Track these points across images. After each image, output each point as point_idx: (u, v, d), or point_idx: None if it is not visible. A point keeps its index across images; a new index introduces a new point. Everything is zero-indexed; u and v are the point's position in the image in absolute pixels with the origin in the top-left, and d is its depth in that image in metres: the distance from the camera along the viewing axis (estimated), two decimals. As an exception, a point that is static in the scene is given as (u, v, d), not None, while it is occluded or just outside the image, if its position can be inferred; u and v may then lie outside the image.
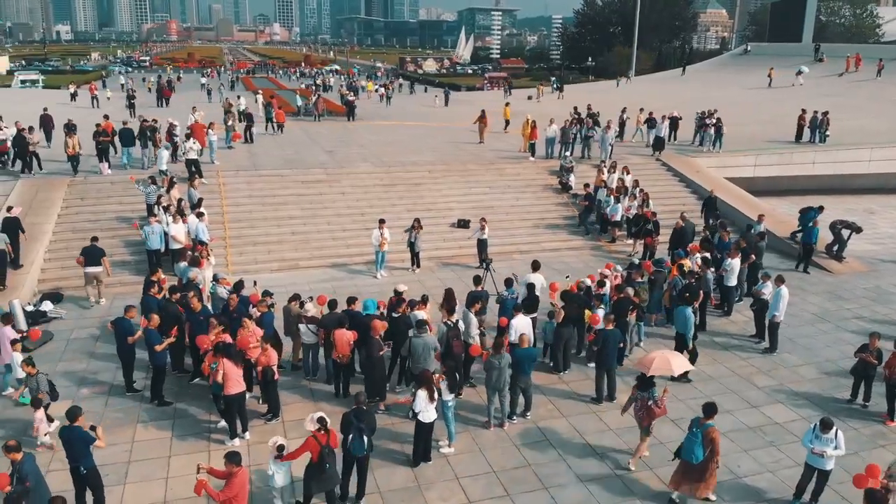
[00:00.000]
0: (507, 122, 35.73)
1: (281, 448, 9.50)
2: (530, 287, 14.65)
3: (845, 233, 21.14)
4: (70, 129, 23.55)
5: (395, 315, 13.39)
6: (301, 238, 21.38)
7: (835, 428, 9.91)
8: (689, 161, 28.37)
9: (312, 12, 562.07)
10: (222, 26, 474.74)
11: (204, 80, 65.90)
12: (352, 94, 46.53)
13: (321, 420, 9.44)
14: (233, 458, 8.61)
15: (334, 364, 12.94)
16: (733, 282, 17.18)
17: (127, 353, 13.00)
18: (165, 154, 23.60)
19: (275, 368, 11.97)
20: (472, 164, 27.01)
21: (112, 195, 22.08)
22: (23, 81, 69.60)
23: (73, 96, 49.32)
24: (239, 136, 29.72)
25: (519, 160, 28.00)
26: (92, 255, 17.16)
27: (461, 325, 13.10)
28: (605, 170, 24.66)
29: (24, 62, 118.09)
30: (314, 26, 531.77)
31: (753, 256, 18.09)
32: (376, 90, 59.41)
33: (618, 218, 22.49)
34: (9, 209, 18.45)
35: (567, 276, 17.32)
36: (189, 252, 17.19)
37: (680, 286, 16.05)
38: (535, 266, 15.78)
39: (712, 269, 17.80)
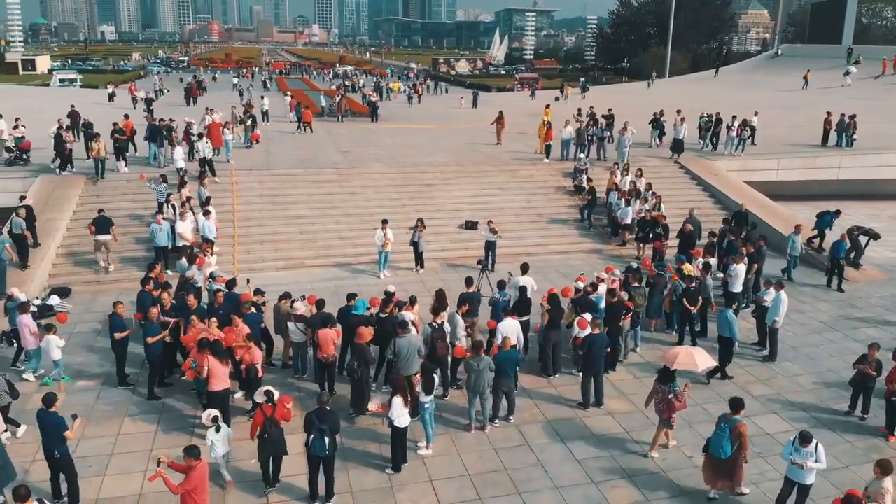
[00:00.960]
0: (549, 124, 34.80)
1: (215, 419, 10.34)
2: (522, 290, 14.52)
3: (863, 239, 20.50)
4: (89, 128, 23.83)
5: (382, 315, 13.39)
6: (308, 237, 21.55)
7: (814, 441, 9.62)
8: (708, 164, 27.83)
9: (351, 14, 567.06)
10: (262, 27, 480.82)
11: (236, 81, 66.89)
12: (375, 94, 46.72)
13: (267, 393, 10.23)
14: (191, 451, 8.75)
15: (319, 363, 12.99)
16: (738, 288, 16.76)
17: (119, 347, 13.26)
18: (181, 152, 23.96)
19: (258, 366, 12.09)
20: (486, 166, 26.94)
21: (127, 192, 22.53)
22: (61, 80, 71.51)
23: (112, 97, 49.16)
24: (257, 136, 30.08)
25: (533, 161, 27.82)
26: (101, 224, 18.72)
27: (447, 327, 13.04)
28: (619, 172, 24.34)
29: (69, 61, 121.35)
30: (353, 27, 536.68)
31: (756, 265, 17.64)
32: (403, 91, 59.60)
33: (628, 221, 22.17)
34: (21, 198, 19.28)
35: (582, 273, 17.10)
36: (189, 249, 17.42)
37: (680, 290, 15.82)
38: (525, 269, 15.68)
39: (720, 274, 17.53)
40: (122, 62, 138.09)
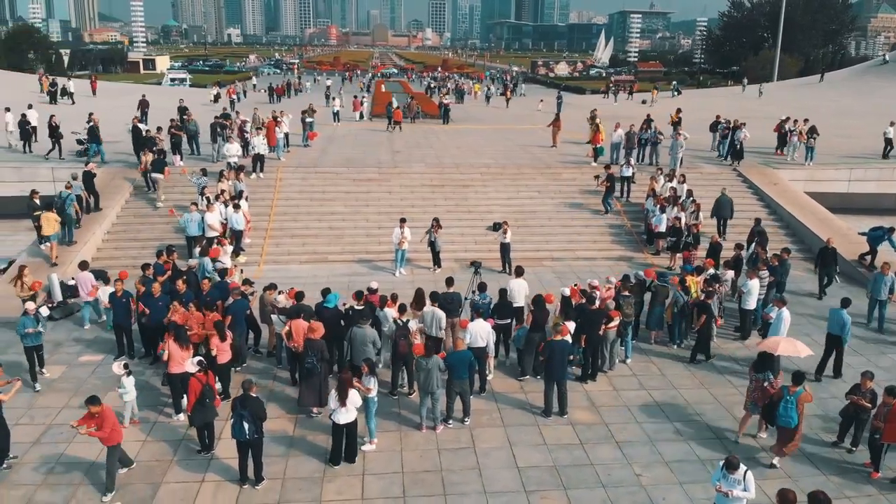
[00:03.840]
0: (598, 127, 33.74)
1: (126, 365, 11.82)
2: (501, 293, 14.34)
3: (918, 259, 18.70)
4: (146, 143, 24.25)
5: (358, 308, 13.59)
6: (337, 233, 22.13)
7: (742, 469, 8.99)
8: (768, 173, 26.25)
9: (464, 17, 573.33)
10: (378, 31, 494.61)
11: (328, 83, 69.16)
12: (448, 97, 47.09)
13: (200, 363, 11.27)
14: (93, 400, 10.10)
15: (290, 353, 13.39)
16: (751, 304, 15.77)
17: (116, 323, 14.39)
18: (234, 148, 25.15)
19: (213, 353, 12.55)
20: (528, 168, 26.63)
21: (177, 185, 23.89)
22: (172, 80, 76.71)
23: (217, 98, 49.54)
24: (315, 134, 31.10)
25: (579, 165, 27.25)
26: (156, 164, 22.70)
27: (412, 325, 13.12)
28: (661, 178, 23.41)
29: (201, 62, 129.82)
30: (465, 31, 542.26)
31: (773, 278, 16.53)
32: (485, 93, 59.67)
33: (662, 229, 21.29)
34: (86, 163, 22.32)
35: (575, 283, 16.68)
36: (208, 240, 18.35)
37: (681, 302, 15.14)
38: (519, 272, 15.46)
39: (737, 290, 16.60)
40: (237, 63, 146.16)
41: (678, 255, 20.22)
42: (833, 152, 29.04)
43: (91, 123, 26.13)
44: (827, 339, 14.26)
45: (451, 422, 12.26)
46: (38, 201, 19.08)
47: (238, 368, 13.98)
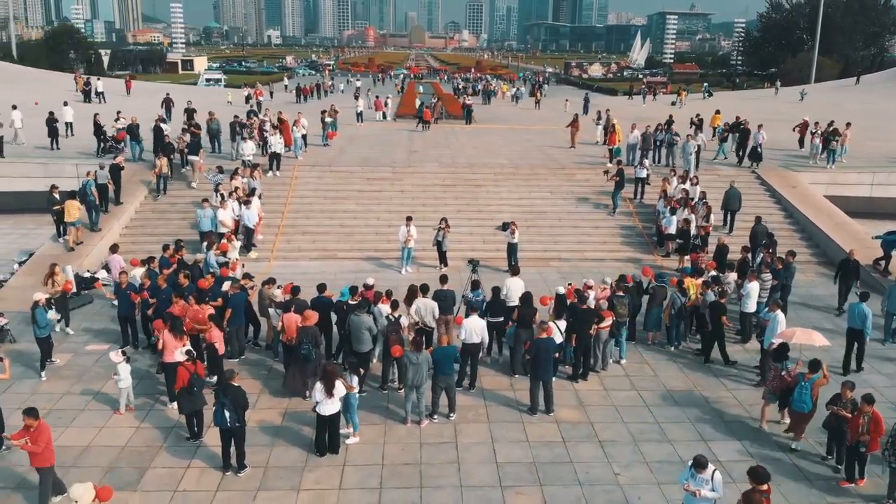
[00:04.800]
0: (614, 128, 33.84)
1: (124, 353, 12.47)
2: (494, 290, 14.43)
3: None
4: (164, 147, 24.54)
5: (352, 303, 13.84)
6: (347, 231, 22.43)
7: (711, 468, 8.95)
8: (787, 175, 25.82)
9: (501, 19, 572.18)
10: (415, 33, 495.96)
11: (359, 84, 69.88)
12: (471, 98, 47.22)
13: (188, 353, 11.56)
14: (30, 412, 9.63)
15: (284, 346, 13.67)
16: (751, 307, 15.55)
17: (120, 314, 14.86)
18: (250, 146, 25.65)
19: (216, 345, 12.91)
20: (542, 169, 26.61)
21: (195, 182, 24.51)
22: (207, 80, 78.19)
23: (248, 98, 48.80)
24: (334, 134, 31.49)
25: (594, 166, 27.11)
26: (192, 145, 24.48)
27: (403, 321, 13.31)
28: (674, 180, 23.19)
29: (240, 63, 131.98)
30: (502, 32, 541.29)
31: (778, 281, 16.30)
32: (513, 94, 59.63)
33: (671, 230, 21.12)
34: (114, 157, 23.58)
35: (603, 280, 16.60)
36: (216, 236, 18.80)
37: (679, 303, 15.04)
38: (515, 271, 15.53)
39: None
40: (275, 64, 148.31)
41: (686, 257, 20.05)
42: (860, 155, 28.43)
43: (129, 122, 26.83)
44: (848, 334, 14.44)
45: (436, 417, 12.39)
46: (57, 196, 19.77)
47: (236, 360, 14.30)
